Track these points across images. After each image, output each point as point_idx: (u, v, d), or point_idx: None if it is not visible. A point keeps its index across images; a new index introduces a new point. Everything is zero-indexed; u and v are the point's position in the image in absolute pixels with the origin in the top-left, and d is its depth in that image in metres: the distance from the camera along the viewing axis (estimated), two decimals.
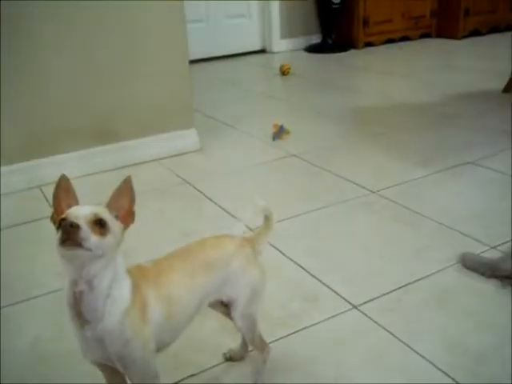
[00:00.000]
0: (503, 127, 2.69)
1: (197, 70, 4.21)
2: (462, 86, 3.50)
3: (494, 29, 5.17)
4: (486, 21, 5.13)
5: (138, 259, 1.70)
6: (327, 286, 1.50)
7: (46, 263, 1.66)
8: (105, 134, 2.36)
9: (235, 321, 1.09)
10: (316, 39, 5.06)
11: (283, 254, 1.67)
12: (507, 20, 4.99)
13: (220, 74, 4.21)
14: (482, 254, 1.60)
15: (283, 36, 4.97)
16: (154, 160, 2.44)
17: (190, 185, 2.19)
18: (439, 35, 5.21)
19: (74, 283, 0.84)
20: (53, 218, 0.88)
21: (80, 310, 0.85)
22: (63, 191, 0.90)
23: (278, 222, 1.85)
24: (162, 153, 2.47)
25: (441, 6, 5.15)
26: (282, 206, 1.98)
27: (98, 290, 0.85)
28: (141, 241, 1.77)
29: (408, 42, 5.11)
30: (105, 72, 2.28)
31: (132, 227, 1.93)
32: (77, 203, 0.90)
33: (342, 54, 4.77)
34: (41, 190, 2.17)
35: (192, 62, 4.43)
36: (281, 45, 4.97)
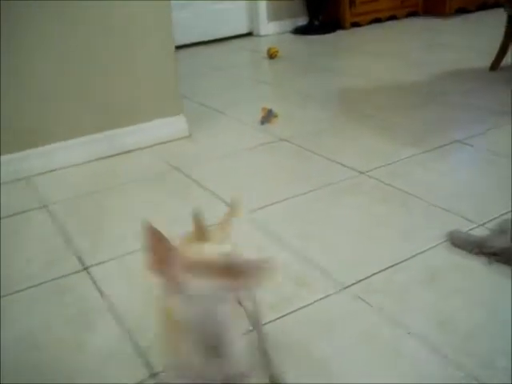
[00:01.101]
0: (491, 106, 2.70)
1: (184, 56, 4.19)
2: (449, 64, 3.50)
3: (482, 6, 5.15)
4: None
5: (128, 247, 1.71)
6: (318, 268, 1.51)
7: (32, 255, 1.66)
8: (93, 123, 2.35)
9: None
10: (303, 21, 5.03)
11: (273, 236, 1.68)
12: None
13: (207, 59, 4.19)
14: (470, 232, 1.62)
15: (270, 19, 4.94)
16: (142, 148, 2.44)
17: (180, 171, 2.19)
18: (426, 13, 5.20)
19: None
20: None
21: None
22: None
23: (268, 205, 1.87)
24: (150, 140, 2.46)
25: None
26: (271, 189, 1.99)
27: None
28: (131, 228, 1.77)
29: (395, 21, 5.10)
30: (90, 61, 2.26)
31: (122, 215, 1.94)
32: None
33: (329, 35, 4.75)
34: (27, 181, 2.16)
35: (179, 47, 4.42)
36: (268, 28, 4.95)
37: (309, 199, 1.91)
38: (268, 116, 2.65)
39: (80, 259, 1.63)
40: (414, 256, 1.54)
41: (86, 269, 1.59)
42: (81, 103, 2.30)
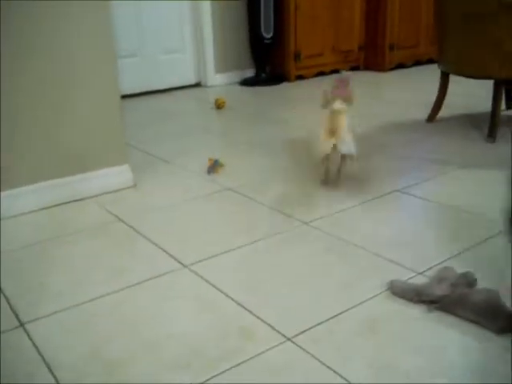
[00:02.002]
0: (429, 156, 2.82)
1: (132, 105, 4.21)
2: (389, 116, 3.65)
3: (417, 62, 5.45)
4: (410, 55, 5.40)
5: (74, 299, 1.66)
6: (262, 320, 1.50)
7: None
8: (35, 173, 2.30)
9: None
10: (250, 73, 5.16)
11: (217, 288, 1.67)
12: (428, 54, 5.27)
13: (156, 109, 4.21)
14: (409, 281, 1.66)
15: (218, 70, 5.05)
16: (86, 198, 2.40)
17: (124, 222, 2.16)
18: (367, 68, 5.44)
19: None
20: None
21: None
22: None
23: (213, 257, 1.86)
24: (94, 190, 2.43)
25: (368, 40, 5.40)
26: (216, 240, 1.99)
27: None
28: (75, 280, 1.73)
29: (337, 75, 5.29)
30: (33, 110, 2.24)
31: (63, 267, 1.90)
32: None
33: (276, 86, 4.88)
34: None
35: (127, 96, 4.45)
36: (216, 79, 5.04)
37: (253, 250, 1.91)
38: (214, 165, 2.67)
39: (16, 315, 1.57)
40: (355, 306, 1.56)
41: (22, 325, 1.53)
42: (23, 152, 2.26)
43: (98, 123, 2.42)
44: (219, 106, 4.03)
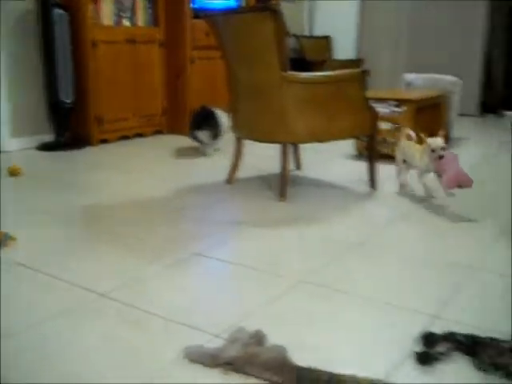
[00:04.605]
0: (227, 217, 2.95)
1: None
2: (192, 178, 3.77)
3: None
4: None
5: None
6: None
7: None
8: None
9: None
10: (49, 137, 4.97)
11: None
12: None
13: None
14: (207, 345, 1.68)
15: (13, 135, 4.78)
16: None
17: None
18: (170, 132, 5.60)
19: None
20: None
21: None
22: None
23: None
24: None
25: (170, 105, 5.57)
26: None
27: None
28: None
29: (142, 139, 5.35)
30: None
31: None
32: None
33: (77, 151, 4.75)
34: None
35: None
36: (11, 144, 4.76)
37: (45, 332, 1.79)
38: (4, 240, 2.48)
39: None
40: (153, 378, 1.53)
41: None
42: None
43: None
44: (12, 173, 3.79)
